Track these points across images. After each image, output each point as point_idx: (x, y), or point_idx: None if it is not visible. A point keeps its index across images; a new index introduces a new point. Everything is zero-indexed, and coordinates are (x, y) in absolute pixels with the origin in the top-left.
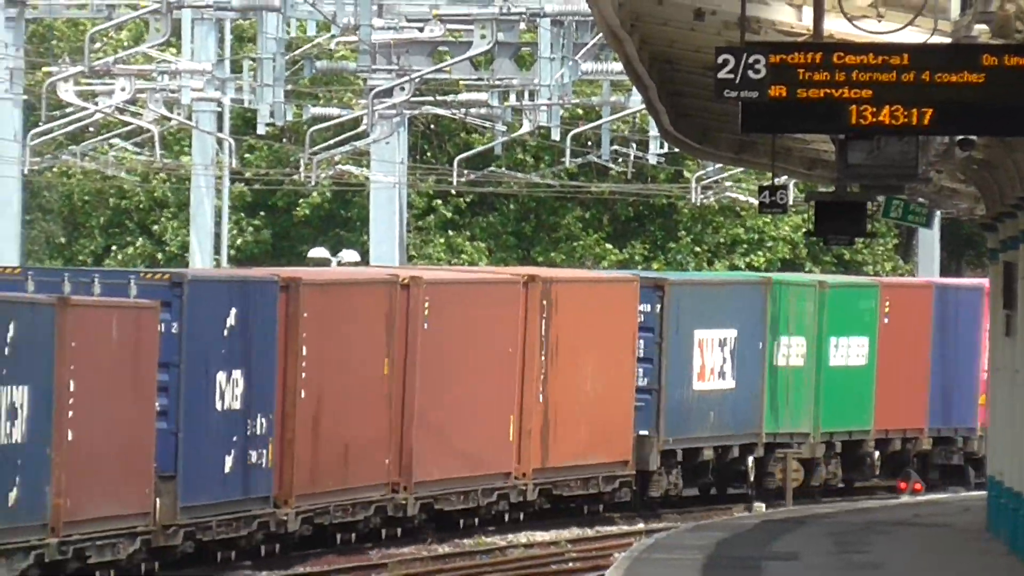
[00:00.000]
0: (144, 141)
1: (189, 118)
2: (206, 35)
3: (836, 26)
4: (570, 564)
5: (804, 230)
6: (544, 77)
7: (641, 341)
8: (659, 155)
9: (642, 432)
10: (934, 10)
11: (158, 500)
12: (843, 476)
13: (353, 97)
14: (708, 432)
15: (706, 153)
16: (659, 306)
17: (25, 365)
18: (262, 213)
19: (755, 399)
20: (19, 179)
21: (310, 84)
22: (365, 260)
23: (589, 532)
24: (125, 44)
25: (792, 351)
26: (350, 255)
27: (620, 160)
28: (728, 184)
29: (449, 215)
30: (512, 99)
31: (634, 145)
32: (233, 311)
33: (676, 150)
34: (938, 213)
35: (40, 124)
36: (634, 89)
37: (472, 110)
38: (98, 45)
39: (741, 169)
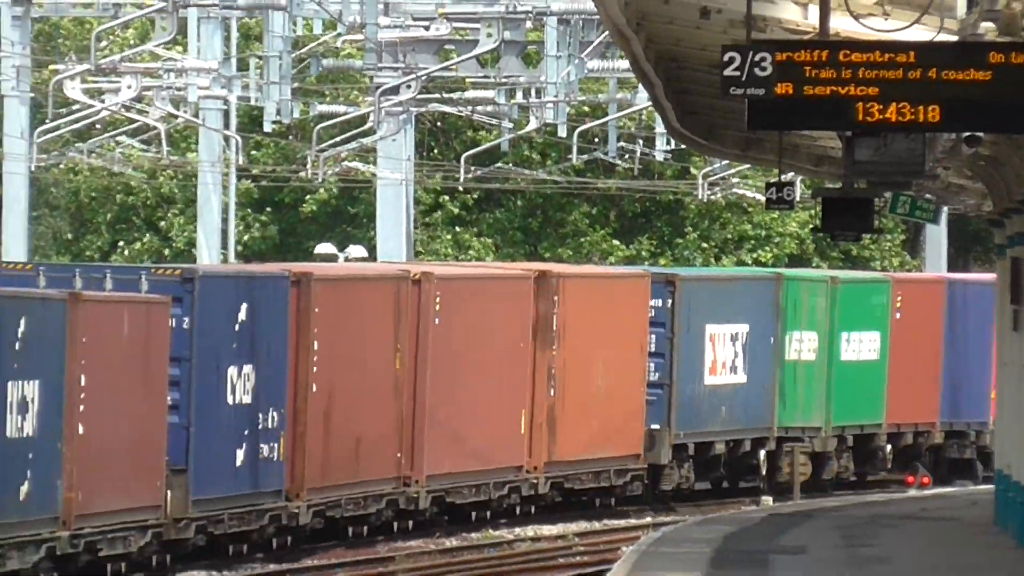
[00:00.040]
0: (151, 138)
1: (196, 116)
2: (212, 33)
3: (842, 24)
4: (577, 558)
5: (811, 226)
6: (550, 75)
7: (653, 336)
8: (666, 152)
9: (654, 426)
10: (940, 8)
11: (169, 493)
12: (855, 470)
13: (360, 95)
14: (720, 426)
15: (713, 150)
16: (670, 301)
17: (36, 360)
18: (269, 209)
19: (767, 393)
20: (26, 176)
21: (316, 82)
22: (372, 256)
23: (597, 525)
24: (131, 42)
25: (804, 346)
26: (357, 251)
27: (627, 157)
28: (735, 180)
29: (456, 211)
30: (519, 97)
31: (641, 142)
32: (244, 306)
33: (683, 147)
34: (945, 209)
35: (47, 121)
36: (640, 86)
37: (479, 108)
38: (104, 43)
39: (748, 165)
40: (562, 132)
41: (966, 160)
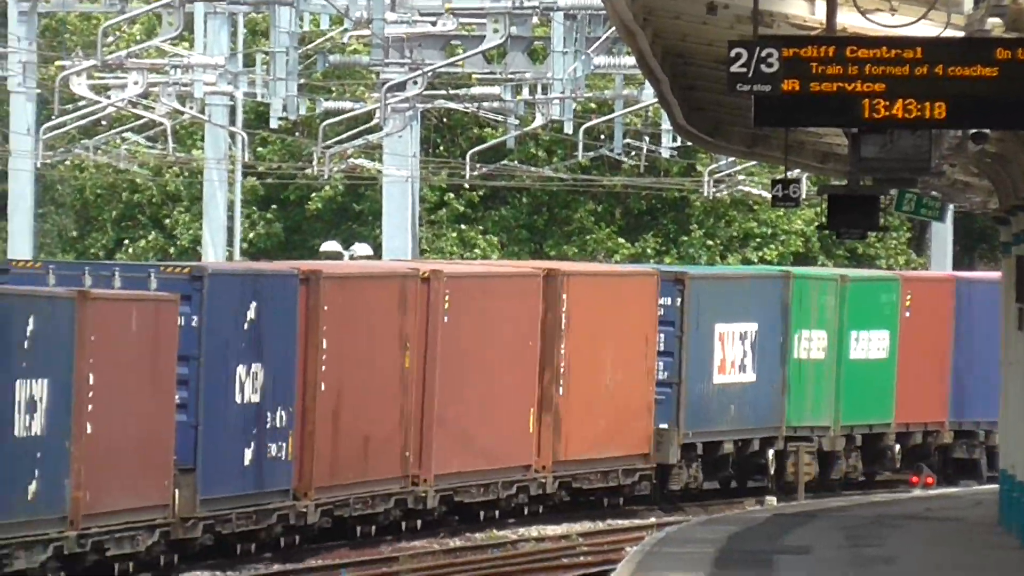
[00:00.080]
0: (157, 135)
1: (202, 112)
2: (219, 29)
3: (849, 20)
4: (581, 558)
5: (817, 224)
6: (557, 71)
7: (661, 335)
8: (672, 149)
9: (662, 425)
10: (947, 4)
11: (177, 493)
12: (864, 469)
13: (366, 91)
14: (728, 425)
15: (719, 147)
16: (679, 300)
17: (44, 358)
18: (274, 207)
19: (775, 393)
20: (32, 173)
21: (323, 78)
22: (378, 254)
23: (601, 525)
24: (138, 38)
25: (813, 344)
26: (362, 249)
27: (633, 154)
28: (741, 178)
29: (461, 209)
30: (525, 93)
31: (647, 139)
32: (253, 304)
33: (689, 144)
34: (951, 207)
35: (53, 118)
36: (647, 83)
37: (485, 104)
38: (111, 39)
39: (754, 163)
40: (568, 129)
41: (972, 157)
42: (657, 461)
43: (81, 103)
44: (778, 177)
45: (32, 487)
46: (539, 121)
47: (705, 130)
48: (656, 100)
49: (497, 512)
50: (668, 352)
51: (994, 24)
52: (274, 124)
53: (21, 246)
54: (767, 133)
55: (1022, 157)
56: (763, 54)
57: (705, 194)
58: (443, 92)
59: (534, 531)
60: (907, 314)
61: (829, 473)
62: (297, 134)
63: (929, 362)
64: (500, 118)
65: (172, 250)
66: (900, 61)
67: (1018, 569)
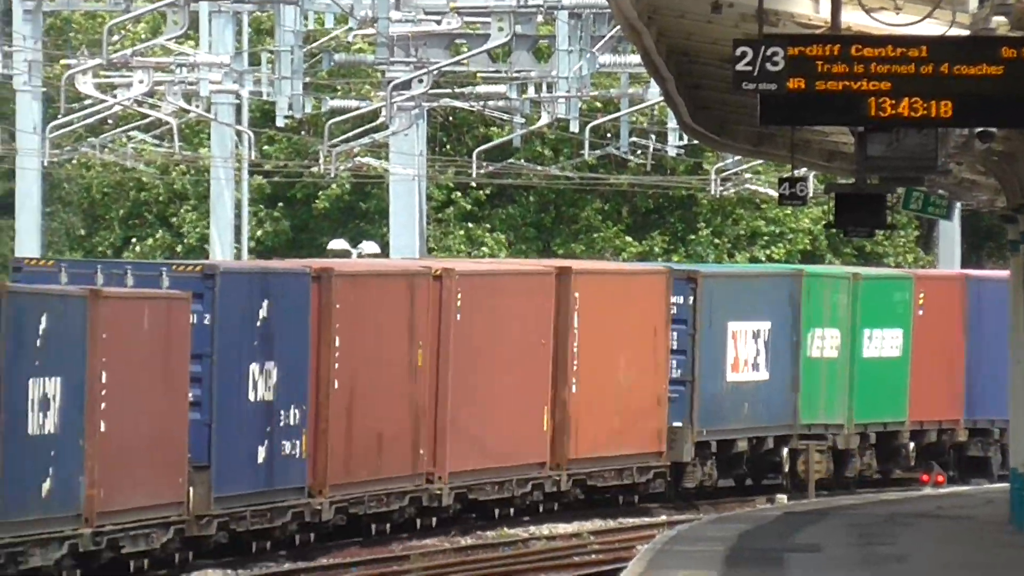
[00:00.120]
0: (163, 133)
1: (208, 110)
2: (224, 27)
3: (854, 18)
4: (592, 556)
5: (824, 222)
6: (562, 69)
7: (674, 333)
8: (678, 147)
9: (676, 423)
10: (952, 2)
11: (191, 490)
12: (878, 467)
13: (371, 89)
14: (742, 424)
15: (725, 145)
16: (692, 298)
17: (57, 357)
18: (281, 205)
19: (789, 391)
20: (39, 171)
21: (328, 76)
22: (385, 252)
23: (612, 524)
24: (143, 36)
25: (826, 343)
26: (370, 247)
27: (639, 152)
28: (748, 176)
29: (468, 207)
30: (530, 91)
31: (653, 137)
32: (265, 302)
33: (695, 142)
34: (958, 205)
35: (59, 116)
36: (652, 81)
37: (490, 102)
38: (116, 37)
39: (760, 161)
40: (574, 127)
41: (979, 155)
42: (671, 459)
43: (87, 102)
44: (785, 175)
45: (46, 485)
46: (545, 120)
47: (711, 129)
48: (662, 98)
49: (512, 510)
50: (681, 350)
51: (999, 23)
52: (280, 123)
53: (29, 244)
54: (773, 132)
55: None
56: (768, 53)
57: (712, 192)
58: (448, 91)
59: (545, 529)
60: (920, 312)
61: (843, 471)
62: (303, 132)
63: (943, 360)
64: (506, 117)
65: (179, 248)
66: (905, 60)
67: None
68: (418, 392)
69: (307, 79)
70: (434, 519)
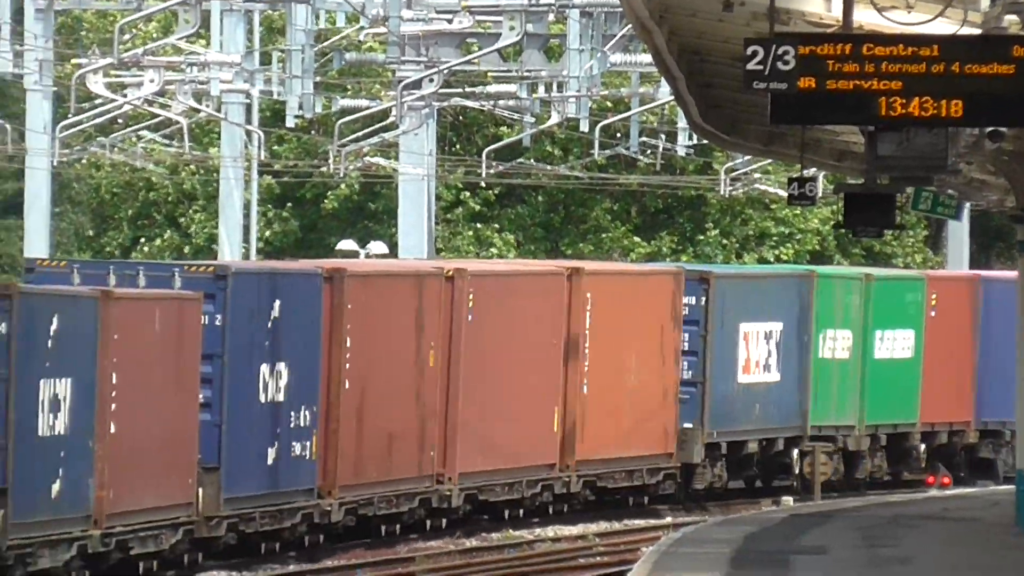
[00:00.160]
0: (173, 133)
1: (218, 110)
2: (235, 26)
3: (865, 17)
4: (598, 558)
5: (833, 222)
6: (573, 69)
7: (686, 334)
8: (688, 147)
9: (686, 425)
10: (964, 1)
11: (201, 491)
12: (889, 469)
13: (382, 89)
14: (753, 425)
15: (735, 145)
16: (704, 299)
17: (68, 358)
18: (290, 205)
19: (800, 392)
20: (48, 171)
21: (339, 76)
22: (393, 252)
23: (617, 526)
24: (154, 36)
25: (837, 344)
26: (378, 247)
27: (649, 152)
28: (757, 176)
29: (477, 207)
30: (541, 91)
31: (663, 137)
32: (276, 303)
33: (705, 142)
34: (967, 205)
35: (69, 116)
36: (663, 80)
37: (500, 102)
38: (127, 37)
39: (770, 161)
40: (584, 127)
41: (989, 155)
42: (681, 460)
43: (97, 101)
44: (794, 175)
45: (56, 486)
46: (555, 119)
47: (721, 128)
48: (672, 98)
49: (521, 511)
50: (692, 351)
51: (1011, 22)
52: (290, 122)
53: (38, 244)
54: (783, 131)
55: None
56: (779, 51)
57: (721, 192)
58: (459, 90)
59: (551, 531)
60: (932, 313)
61: (854, 473)
62: (313, 132)
63: (954, 361)
64: (516, 116)
65: (188, 249)
66: (917, 59)
67: None
68: (428, 393)
69: (318, 78)
70: (444, 520)
